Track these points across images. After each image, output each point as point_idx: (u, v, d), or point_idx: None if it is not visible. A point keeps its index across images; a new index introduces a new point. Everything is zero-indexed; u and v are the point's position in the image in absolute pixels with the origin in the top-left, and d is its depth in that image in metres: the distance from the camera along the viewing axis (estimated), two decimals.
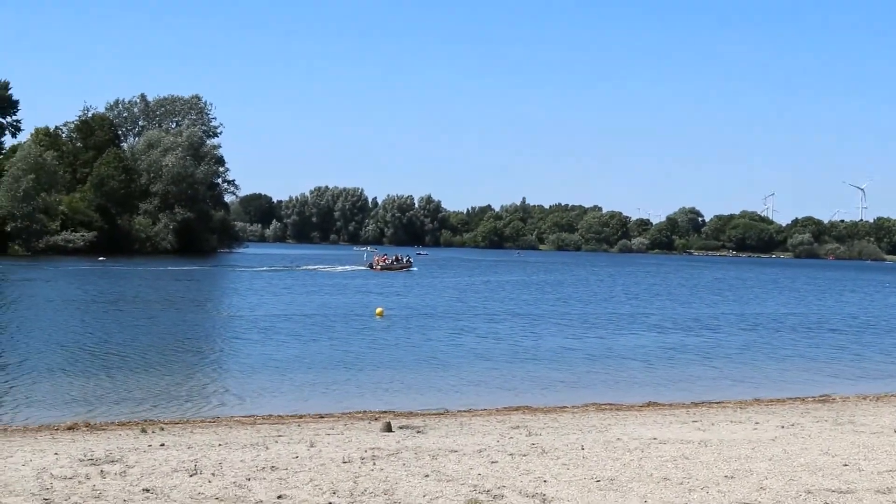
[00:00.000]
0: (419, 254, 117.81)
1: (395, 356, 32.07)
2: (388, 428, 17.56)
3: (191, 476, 12.70)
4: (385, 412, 20.82)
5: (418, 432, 17.39)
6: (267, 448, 15.13)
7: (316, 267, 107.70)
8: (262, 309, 49.26)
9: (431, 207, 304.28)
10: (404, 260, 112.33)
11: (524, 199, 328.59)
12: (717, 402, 23.63)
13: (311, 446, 15.35)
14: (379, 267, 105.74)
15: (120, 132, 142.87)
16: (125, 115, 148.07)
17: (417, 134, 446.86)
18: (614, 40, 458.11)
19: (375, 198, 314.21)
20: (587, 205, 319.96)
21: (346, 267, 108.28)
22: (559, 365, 31.25)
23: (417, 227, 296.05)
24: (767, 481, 12.73)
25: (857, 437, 17.09)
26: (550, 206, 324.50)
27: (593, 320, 49.08)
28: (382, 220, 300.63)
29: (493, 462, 13.94)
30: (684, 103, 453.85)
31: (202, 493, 11.75)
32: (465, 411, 21.43)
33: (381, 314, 47.21)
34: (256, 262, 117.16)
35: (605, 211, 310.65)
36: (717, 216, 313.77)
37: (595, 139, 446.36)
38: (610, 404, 22.93)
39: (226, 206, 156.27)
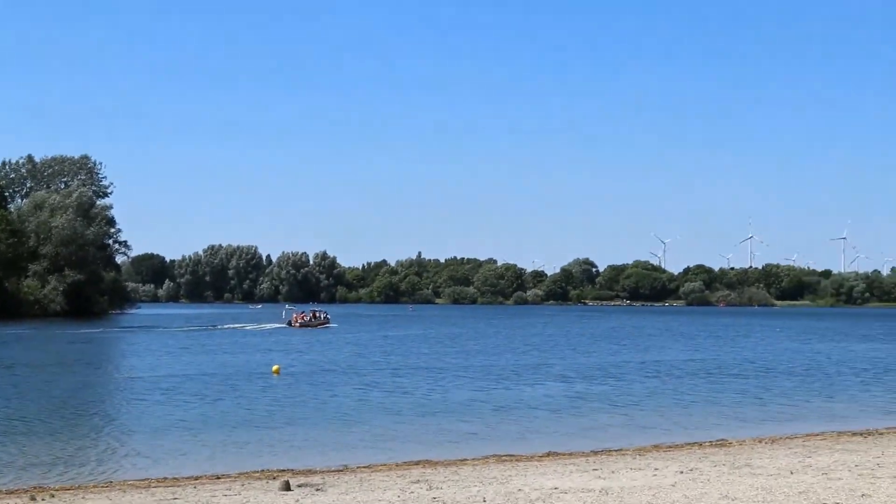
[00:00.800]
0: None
1: (294, 413, 31.67)
2: (287, 487, 17.27)
3: None
4: (283, 471, 20.50)
5: (318, 490, 17.13)
6: None
7: (236, 326, 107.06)
8: (159, 370, 48.40)
9: (326, 263, 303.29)
10: (322, 316, 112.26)
11: (420, 253, 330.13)
12: (617, 450, 23.72)
13: None
14: (298, 324, 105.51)
15: (6, 194, 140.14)
16: (12, 176, 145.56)
17: (311, 190, 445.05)
18: (499, 93, 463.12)
19: (269, 255, 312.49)
20: (482, 258, 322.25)
21: (266, 325, 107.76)
22: (460, 417, 31.13)
23: (313, 284, 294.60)
24: None
25: (755, 479, 17.25)
26: (446, 260, 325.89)
27: (496, 372, 49.08)
28: (277, 278, 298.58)
29: None
30: (574, 155, 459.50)
31: None
32: (364, 467, 21.19)
33: (277, 371, 46.71)
34: (165, 322, 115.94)
35: (500, 263, 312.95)
36: (610, 266, 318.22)
37: (488, 193, 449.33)
38: (510, 455, 22.88)
39: (117, 266, 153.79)
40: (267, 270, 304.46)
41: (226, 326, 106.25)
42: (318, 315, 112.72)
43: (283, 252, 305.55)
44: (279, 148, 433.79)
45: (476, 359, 59.37)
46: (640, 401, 36.62)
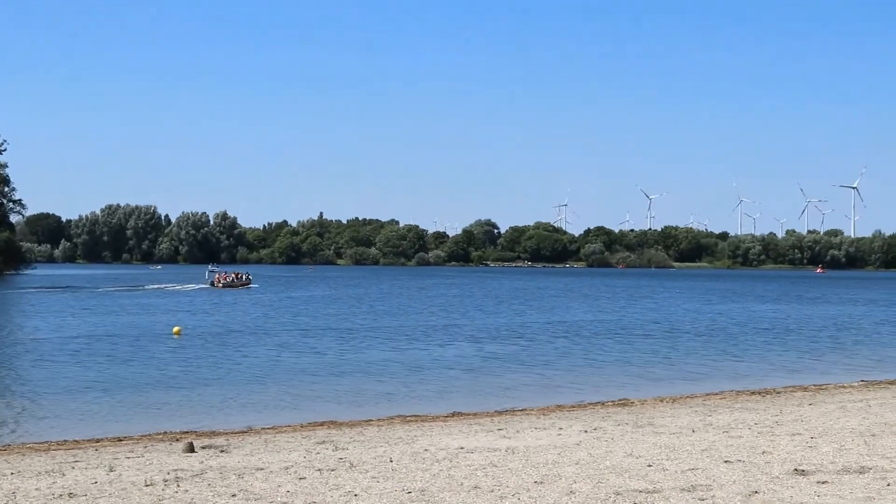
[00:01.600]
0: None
1: (199, 375, 31.37)
2: (191, 448, 17.09)
3: None
4: (187, 432, 20.30)
5: (222, 451, 16.98)
6: (63, 475, 14.50)
7: (160, 286, 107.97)
8: (64, 331, 47.63)
9: (227, 224, 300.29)
10: (244, 277, 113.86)
11: (321, 213, 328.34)
12: (521, 410, 23.89)
13: (111, 471, 14.78)
14: (221, 285, 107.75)
15: None
16: None
17: (212, 149, 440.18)
18: (409, 54, 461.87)
19: (168, 215, 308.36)
20: (384, 219, 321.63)
21: (188, 286, 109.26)
22: (367, 378, 31.13)
23: (213, 245, 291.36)
24: (576, 485, 12.84)
25: (658, 438, 17.48)
26: (348, 221, 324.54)
27: (405, 332, 49.17)
28: (177, 238, 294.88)
29: (301, 478, 13.68)
30: (479, 115, 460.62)
31: None
32: (269, 428, 21.07)
33: (178, 333, 46.23)
34: (81, 282, 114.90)
35: (402, 224, 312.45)
36: (512, 227, 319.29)
37: (391, 153, 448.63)
38: (415, 416, 22.92)
39: (11, 226, 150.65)
40: (166, 231, 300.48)
41: (149, 287, 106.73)
42: (240, 276, 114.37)
43: (183, 212, 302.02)
44: (178, 104, 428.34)
45: (384, 319, 59.40)
46: (545, 361, 36.92)
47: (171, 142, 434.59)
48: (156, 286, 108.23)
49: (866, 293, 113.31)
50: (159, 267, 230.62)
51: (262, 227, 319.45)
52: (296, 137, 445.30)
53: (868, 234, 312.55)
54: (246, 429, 21.06)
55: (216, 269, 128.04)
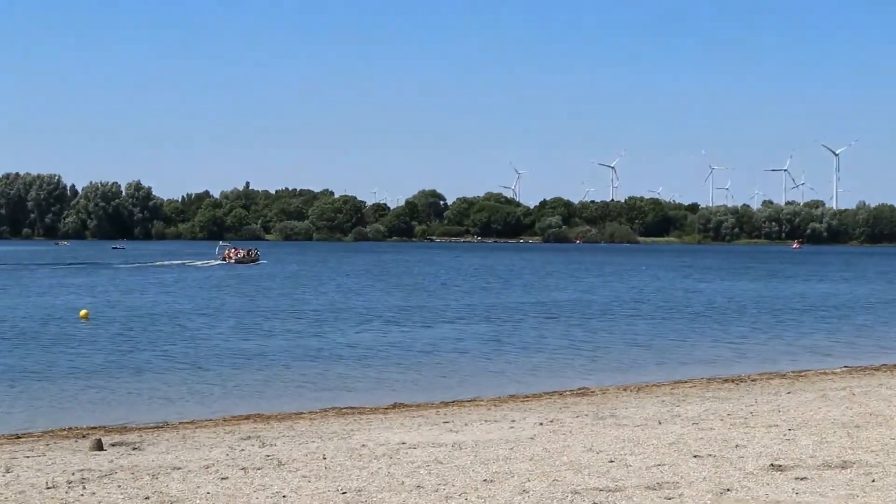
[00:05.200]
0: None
1: (110, 364, 31.08)
2: (99, 446, 16.94)
3: None
4: (95, 428, 20.14)
5: (134, 449, 16.87)
6: None
7: (170, 263, 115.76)
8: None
9: (141, 195, 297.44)
10: (253, 253, 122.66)
11: (247, 183, 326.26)
12: (470, 401, 23.91)
13: (7, 472, 14.62)
14: (233, 260, 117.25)
15: None
16: None
17: (123, 113, 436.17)
18: (344, 20, 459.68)
19: (74, 185, 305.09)
20: (317, 189, 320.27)
21: (202, 262, 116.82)
22: (297, 367, 31.04)
23: (125, 218, 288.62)
24: (530, 483, 12.86)
25: (621, 430, 17.56)
26: (277, 192, 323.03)
27: (336, 315, 49.08)
28: (84, 211, 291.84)
29: (223, 478, 13.61)
30: (419, 79, 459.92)
31: None
32: (187, 423, 20.95)
33: (85, 317, 45.80)
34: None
35: (337, 196, 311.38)
36: (460, 199, 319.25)
37: (323, 118, 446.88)
38: (351, 408, 22.88)
39: None
40: (73, 203, 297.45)
41: (160, 263, 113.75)
42: (250, 252, 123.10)
43: (91, 182, 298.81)
44: (85, 62, 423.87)
45: (319, 300, 59.39)
46: (497, 347, 37.00)
47: (76, 105, 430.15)
48: (168, 263, 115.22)
49: (850, 271, 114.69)
50: (66, 243, 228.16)
51: (180, 199, 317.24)
52: (217, 99, 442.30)
53: (852, 206, 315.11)
54: (161, 423, 20.92)
55: (226, 244, 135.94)
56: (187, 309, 52.23)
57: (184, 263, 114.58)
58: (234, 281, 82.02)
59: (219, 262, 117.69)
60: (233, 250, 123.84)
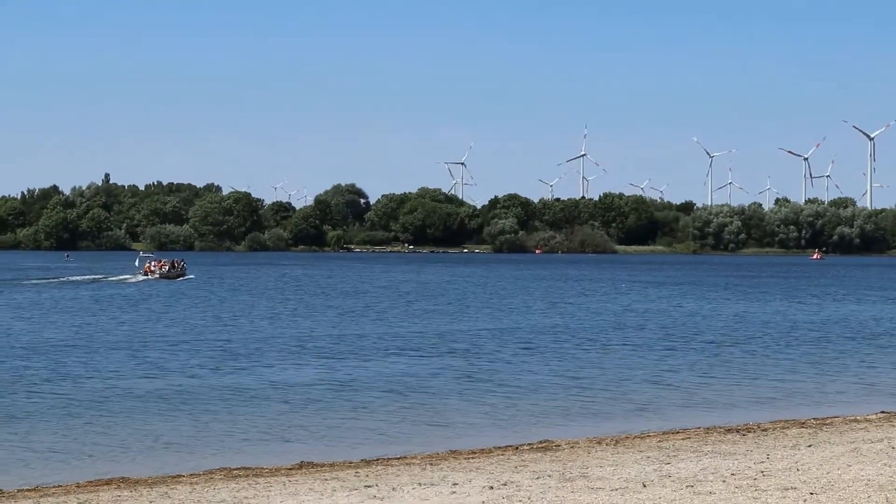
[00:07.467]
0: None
1: None
2: None
3: None
4: None
5: None
6: None
7: (83, 278, 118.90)
8: None
9: None
10: (179, 266, 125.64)
11: (107, 176, 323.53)
12: (399, 458, 23.87)
13: None
14: (157, 275, 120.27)
15: None
16: None
17: None
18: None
19: None
20: (200, 184, 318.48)
21: (116, 277, 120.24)
22: (173, 413, 30.85)
23: None
24: None
25: (595, 496, 17.57)
26: (147, 187, 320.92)
27: (228, 347, 48.86)
28: None
29: None
30: (331, 46, 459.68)
31: None
32: (30, 490, 20.76)
33: None
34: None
35: (226, 192, 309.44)
36: (386, 196, 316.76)
37: (206, 96, 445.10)
38: (245, 468, 22.76)
39: None
40: None
41: (74, 278, 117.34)
42: (176, 264, 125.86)
43: None
44: None
45: (209, 330, 59.17)
46: (432, 387, 36.98)
47: None
48: (79, 278, 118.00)
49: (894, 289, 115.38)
50: (141, 252, 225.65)
51: (19, 197, 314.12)
52: (68, 77, 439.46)
53: (890, 205, 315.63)
54: None
55: (148, 255, 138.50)
56: (58, 339, 51.89)
57: (96, 280, 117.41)
58: (155, 299, 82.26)
59: (141, 276, 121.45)
60: (155, 262, 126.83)
